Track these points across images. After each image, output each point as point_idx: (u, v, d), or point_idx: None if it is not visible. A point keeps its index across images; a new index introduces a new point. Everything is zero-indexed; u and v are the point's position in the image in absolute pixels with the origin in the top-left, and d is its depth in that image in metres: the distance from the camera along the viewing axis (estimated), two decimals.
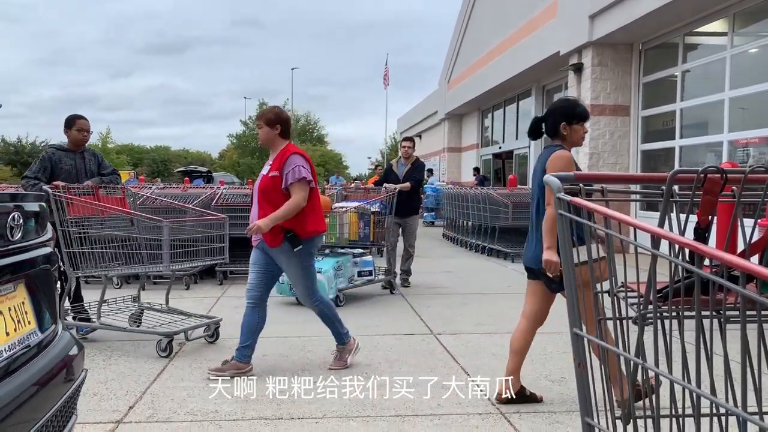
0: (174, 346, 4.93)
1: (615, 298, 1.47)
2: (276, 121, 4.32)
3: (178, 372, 4.32)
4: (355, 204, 7.32)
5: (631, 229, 1.37)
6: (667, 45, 11.30)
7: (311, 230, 4.28)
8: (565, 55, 12.79)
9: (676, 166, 11.04)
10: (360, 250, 7.33)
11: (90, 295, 5.94)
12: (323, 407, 3.64)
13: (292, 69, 69.21)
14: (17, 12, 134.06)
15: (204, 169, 33.62)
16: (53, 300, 2.30)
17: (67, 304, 5.21)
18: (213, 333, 5.15)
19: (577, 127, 3.58)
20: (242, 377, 4.17)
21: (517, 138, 18.87)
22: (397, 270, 7.94)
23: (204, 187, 11.29)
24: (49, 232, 2.32)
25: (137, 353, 4.81)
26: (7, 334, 1.89)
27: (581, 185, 1.58)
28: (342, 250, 7.06)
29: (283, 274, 5.93)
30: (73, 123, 5.38)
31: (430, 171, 25.89)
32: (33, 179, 5.14)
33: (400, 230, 7.89)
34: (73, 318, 5.30)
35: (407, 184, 7.61)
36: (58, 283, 5.35)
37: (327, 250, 6.88)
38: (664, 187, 1.45)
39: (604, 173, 1.64)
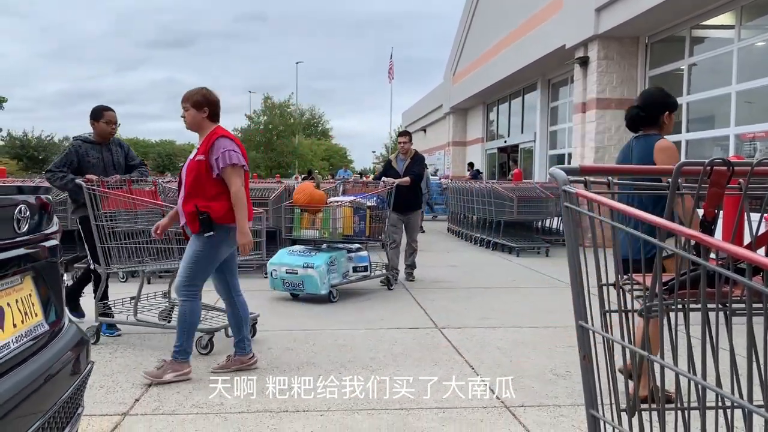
0: None
1: (620, 290, 1.47)
2: (204, 103, 4.13)
3: None
4: (351, 198, 7.16)
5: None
6: (674, 38, 11.24)
7: (227, 218, 4.00)
8: (571, 49, 12.75)
9: (682, 160, 10.99)
10: (358, 246, 7.25)
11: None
12: (327, 400, 3.65)
13: (297, 63, 69.29)
14: (25, 7, 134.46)
15: None
16: (59, 292, 2.31)
17: (92, 300, 5.14)
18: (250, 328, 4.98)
19: (673, 116, 3.74)
20: (247, 370, 4.19)
21: (522, 132, 18.82)
22: (401, 266, 7.84)
23: None
24: (55, 225, 2.32)
25: (143, 346, 4.82)
26: (15, 326, 1.90)
27: (586, 178, 1.57)
28: (340, 245, 6.94)
29: (274, 266, 5.92)
30: (101, 115, 5.19)
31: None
32: (59, 172, 5.00)
33: (403, 226, 7.80)
34: (104, 315, 5.07)
35: (407, 179, 7.51)
36: (90, 280, 5.35)
37: (324, 245, 6.83)
38: (670, 180, 1.44)
39: (610, 165, 1.64)
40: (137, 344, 4.87)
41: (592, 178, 1.59)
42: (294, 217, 6.97)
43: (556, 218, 11.79)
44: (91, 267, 5.14)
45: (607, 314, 1.50)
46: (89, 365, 2.37)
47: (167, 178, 12.07)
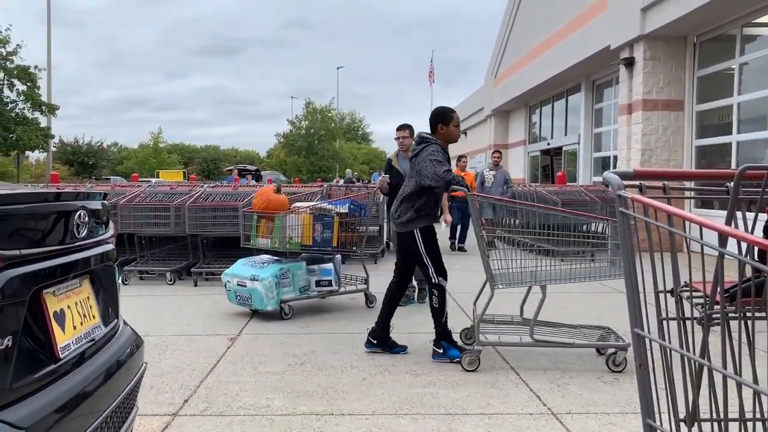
0: (226, 341, 5.04)
1: (678, 297, 1.43)
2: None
3: (231, 367, 4.41)
4: (312, 204, 6.48)
5: (696, 227, 1.34)
6: (724, 37, 10.93)
7: None
8: (616, 49, 12.51)
9: (734, 162, 10.68)
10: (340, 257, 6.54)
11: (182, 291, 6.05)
12: (373, 404, 3.65)
13: (338, 68, 69.83)
14: (83, 18, 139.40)
15: (253, 168, 34.17)
16: (115, 296, 2.38)
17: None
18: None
19: None
20: (292, 373, 4.23)
21: (566, 134, 18.54)
22: (414, 283, 6.59)
23: (255, 185, 11.48)
24: (111, 230, 2.39)
25: (190, 348, 4.92)
26: (74, 327, 1.96)
27: (641, 182, 1.54)
28: (300, 256, 6.29)
29: (228, 277, 5.76)
30: (451, 118, 4.85)
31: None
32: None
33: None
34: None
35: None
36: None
37: (300, 255, 6.24)
38: (729, 184, 1.40)
39: (665, 170, 1.59)
40: (185, 346, 4.97)
41: (647, 183, 1.56)
42: (252, 224, 6.44)
43: (601, 222, 11.55)
44: (434, 281, 4.82)
45: (665, 322, 1.46)
46: (143, 366, 2.43)
47: (212, 183, 12.28)
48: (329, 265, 6.35)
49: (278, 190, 6.66)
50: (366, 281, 6.63)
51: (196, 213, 8.10)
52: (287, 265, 6.06)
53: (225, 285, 6.07)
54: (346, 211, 6.25)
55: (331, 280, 6.34)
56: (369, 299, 6.55)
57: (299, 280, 6.14)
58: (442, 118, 4.82)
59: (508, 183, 11.72)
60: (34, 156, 45.26)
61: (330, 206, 6.39)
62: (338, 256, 6.54)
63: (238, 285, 5.91)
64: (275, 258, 6.25)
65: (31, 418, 1.60)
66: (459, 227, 11.64)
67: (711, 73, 11.32)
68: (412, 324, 5.69)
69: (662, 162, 11.70)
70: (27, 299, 1.71)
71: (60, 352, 1.84)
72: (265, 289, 5.77)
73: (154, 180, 24.72)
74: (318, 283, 6.33)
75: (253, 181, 23.28)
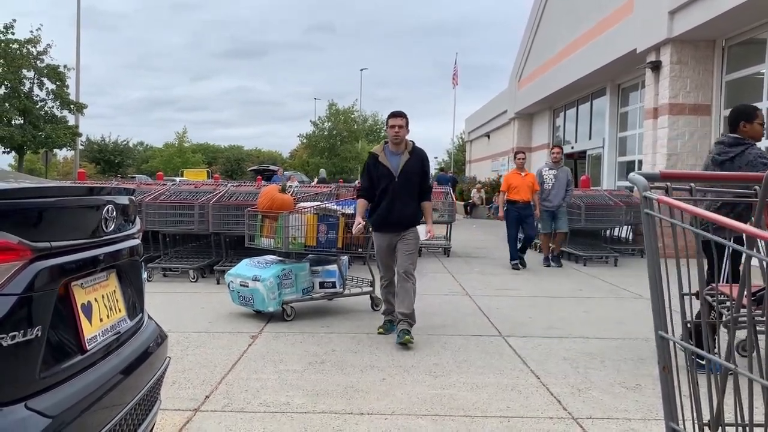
0: (247, 339, 5.08)
1: (704, 300, 1.42)
2: None
3: (252, 364, 4.44)
4: (316, 204, 6.31)
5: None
6: (754, 41, 10.75)
7: None
8: (642, 53, 12.38)
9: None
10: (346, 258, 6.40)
11: (166, 287, 6.11)
12: (392, 404, 3.66)
13: (361, 70, 69.91)
14: (114, 21, 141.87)
15: (275, 168, 34.37)
16: (140, 290, 2.42)
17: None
18: None
19: None
20: (312, 372, 4.25)
21: (590, 138, 18.38)
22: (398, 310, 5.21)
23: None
24: (137, 225, 2.43)
25: (212, 345, 4.97)
26: (101, 320, 2.00)
27: (668, 184, 1.53)
28: (305, 257, 6.18)
29: (231, 277, 5.66)
30: (756, 116, 4.56)
31: (453, 181, 25.42)
32: None
33: (394, 249, 5.30)
34: None
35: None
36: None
37: (308, 256, 6.13)
38: (757, 187, 1.39)
39: (692, 172, 1.58)
40: (207, 343, 5.02)
41: (673, 185, 1.55)
42: (256, 223, 6.39)
43: (625, 227, 11.45)
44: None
45: (689, 325, 1.45)
46: (166, 360, 2.47)
47: (235, 182, 12.37)
48: (333, 267, 6.22)
49: (283, 190, 6.59)
50: (372, 284, 6.43)
51: (219, 212, 8.18)
52: (290, 266, 5.97)
53: (228, 285, 6.03)
54: (353, 212, 5.92)
55: (335, 282, 6.20)
56: (375, 302, 6.31)
57: (302, 282, 6.02)
58: (745, 115, 4.53)
59: (569, 185, 10.10)
60: (62, 154, 46.02)
61: (336, 206, 6.26)
62: (344, 258, 6.41)
63: (240, 285, 5.85)
64: (279, 258, 6.18)
65: (59, 407, 1.63)
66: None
67: (740, 77, 11.15)
68: (431, 326, 5.68)
69: (688, 167, 11.52)
70: (56, 290, 1.74)
71: (87, 344, 1.87)
72: (266, 289, 5.69)
73: (178, 179, 25.01)
74: (322, 285, 6.19)
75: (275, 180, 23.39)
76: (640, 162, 13.71)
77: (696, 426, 1.42)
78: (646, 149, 12.58)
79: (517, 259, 9.82)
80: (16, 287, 1.58)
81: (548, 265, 9.97)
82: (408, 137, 5.33)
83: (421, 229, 5.38)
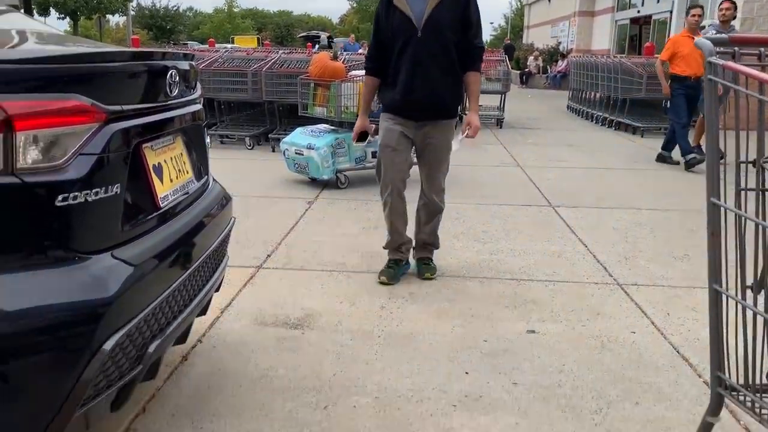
0: (304, 204, 5.28)
1: (761, 168, 1.42)
2: None
3: (309, 227, 4.66)
4: None
5: None
6: None
7: None
8: None
9: None
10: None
11: (228, 154, 6.27)
12: (441, 266, 3.79)
13: None
14: None
15: (326, 34, 33.59)
16: (205, 153, 2.53)
17: None
18: None
19: None
20: (365, 236, 4.43)
21: (658, 0, 17.15)
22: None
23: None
24: (199, 90, 2.50)
25: (271, 209, 5.19)
26: (171, 180, 2.13)
27: (736, 49, 1.48)
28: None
29: (286, 145, 5.56)
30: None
31: None
32: None
33: (413, 150, 3.63)
34: None
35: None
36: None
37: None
38: None
39: (764, 36, 1.52)
40: (268, 206, 5.24)
41: (742, 50, 1.49)
42: (308, 92, 6.35)
43: None
44: None
45: (743, 192, 1.46)
46: (232, 220, 2.63)
47: (287, 49, 12.21)
48: None
49: (335, 57, 6.47)
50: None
51: (271, 80, 8.19)
52: (343, 135, 6.00)
53: (283, 153, 6.17)
54: None
55: None
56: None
57: (355, 151, 6.06)
58: None
59: None
60: (114, 20, 45.91)
61: None
62: None
63: (295, 153, 6.00)
64: (332, 128, 6.22)
65: (141, 257, 1.79)
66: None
67: None
68: (481, 195, 5.75)
69: (764, 33, 10.75)
70: (130, 152, 1.85)
71: (160, 202, 2.01)
72: (320, 158, 5.80)
73: (230, 45, 24.82)
74: (374, 155, 5.87)
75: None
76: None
77: (739, 287, 1.48)
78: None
79: (693, 152, 7.11)
80: (95, 148, 1.69)
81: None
82: None
83: (456, 137, 3.56)
